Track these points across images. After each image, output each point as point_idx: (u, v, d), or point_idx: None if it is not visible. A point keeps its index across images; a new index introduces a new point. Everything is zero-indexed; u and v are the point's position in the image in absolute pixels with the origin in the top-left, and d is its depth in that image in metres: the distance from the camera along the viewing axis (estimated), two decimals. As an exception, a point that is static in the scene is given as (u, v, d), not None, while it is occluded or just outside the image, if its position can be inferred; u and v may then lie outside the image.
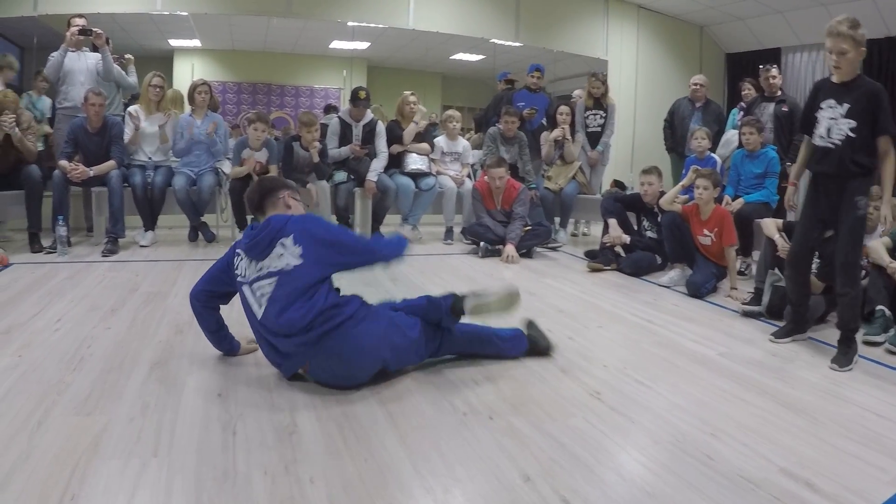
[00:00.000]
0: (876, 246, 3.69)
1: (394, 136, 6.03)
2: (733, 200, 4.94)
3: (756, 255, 4.61)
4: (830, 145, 2.99)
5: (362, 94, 5.75)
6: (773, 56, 8.54)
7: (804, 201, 3.27)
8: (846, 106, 2.94)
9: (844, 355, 2.99)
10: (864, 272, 3.97)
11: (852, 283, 3.06)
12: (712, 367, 2.80)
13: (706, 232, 4.45)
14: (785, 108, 5.63)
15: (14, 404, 2.13)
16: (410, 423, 2.10)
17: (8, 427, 1.96)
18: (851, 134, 2.92)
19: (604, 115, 6.49)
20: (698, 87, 6.43)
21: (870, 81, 2.96)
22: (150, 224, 5.34)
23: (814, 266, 3.73)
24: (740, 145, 5.33)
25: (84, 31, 5.39)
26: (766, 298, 3.79)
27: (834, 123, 2.97)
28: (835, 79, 3.00)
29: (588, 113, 6.46)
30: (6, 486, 1.65)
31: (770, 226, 3.98)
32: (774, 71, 5.74)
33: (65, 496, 1.62)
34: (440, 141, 6.33)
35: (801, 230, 3.26)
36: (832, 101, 2.99)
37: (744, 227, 4.68)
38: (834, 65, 2.93)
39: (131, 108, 5.43)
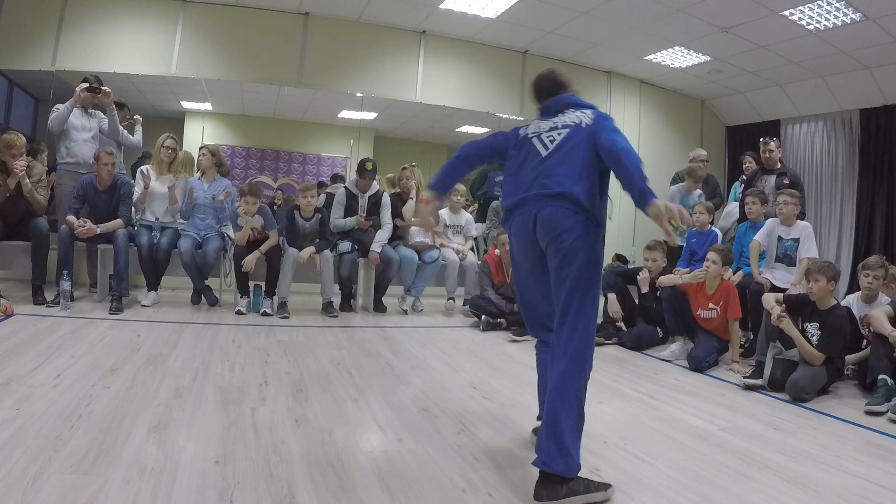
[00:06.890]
0: (878, 315, 3.69)
1: (397, 210, 6.09)
2: (734, 273, 4.93)
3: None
4: None
5: (369, 166, 5.80)
6: (772, 128, 8.76)
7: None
8: None
9: None
10: (864, 341, 3.99)
11: None
12: (714, 443, 2.78)
13: (711, 305, 4.45)
14: (786, 180, 5.64)
15: (9, 459, 2.09)
16: (408, 497, 2.06)
17: (2, 482, 1.92)
18: None
19: None
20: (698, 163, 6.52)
21: None
22: (153, 284, 5.33)
23: (814, 339, 3.75)
24: (742, 218, 5.36)
25: (92, 89, 5.41)
26: (767, 371, 3.79)
27: None
28: None
29: None
30: (-3, 544, 1.60)
31: (769, 299, 3.99)
32: (773, 144, 5.79)
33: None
34: (443, 213, 6.40)
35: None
36: None
37: (744, 299, 4.65)
38: None
39: (142, 168, 5.50)
